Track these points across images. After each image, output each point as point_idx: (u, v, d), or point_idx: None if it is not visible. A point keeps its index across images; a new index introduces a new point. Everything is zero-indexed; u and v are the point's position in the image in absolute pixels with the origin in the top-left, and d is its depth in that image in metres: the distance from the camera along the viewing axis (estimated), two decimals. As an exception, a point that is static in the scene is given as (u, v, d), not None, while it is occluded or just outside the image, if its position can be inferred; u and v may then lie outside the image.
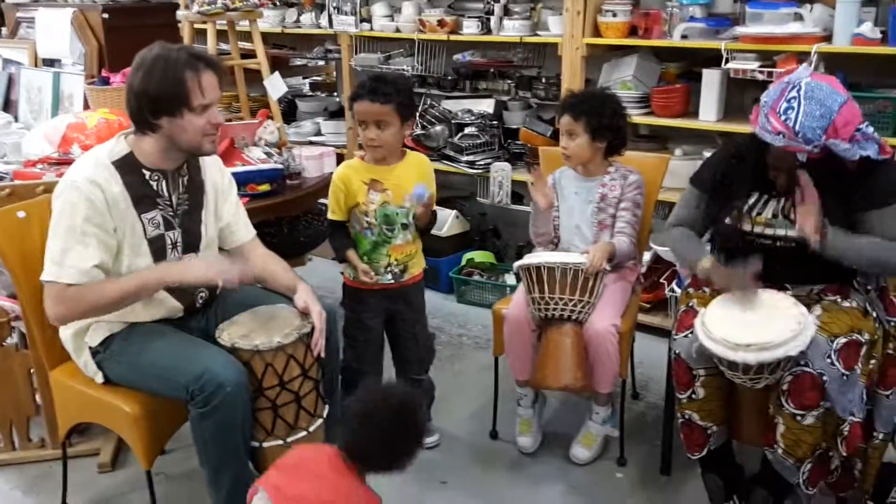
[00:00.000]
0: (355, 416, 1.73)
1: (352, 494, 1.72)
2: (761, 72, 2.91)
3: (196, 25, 3.43)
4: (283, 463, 1.77)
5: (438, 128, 3.91)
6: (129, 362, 2.02)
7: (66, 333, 2.11)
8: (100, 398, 2.09)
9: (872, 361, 2.02)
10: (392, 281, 2.47)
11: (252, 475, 2.07)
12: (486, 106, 3.93)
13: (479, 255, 3.94)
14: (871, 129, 1.99)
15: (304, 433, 2.08)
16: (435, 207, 2.51)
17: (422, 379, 2.63)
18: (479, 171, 3.79)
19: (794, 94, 1.94)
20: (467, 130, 3.86)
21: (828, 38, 2.85)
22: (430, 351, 2.68)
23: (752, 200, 2.15)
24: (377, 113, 2.33)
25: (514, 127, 3.84)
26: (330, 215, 2.48)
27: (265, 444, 2.04)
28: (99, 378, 2.08)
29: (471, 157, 3.79)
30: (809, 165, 1.97)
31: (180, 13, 3.49)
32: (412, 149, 3.94)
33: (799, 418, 1.96)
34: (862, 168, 1.99)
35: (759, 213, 2.14)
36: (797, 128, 1.91)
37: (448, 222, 3.94)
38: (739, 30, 2.99)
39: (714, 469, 2.23)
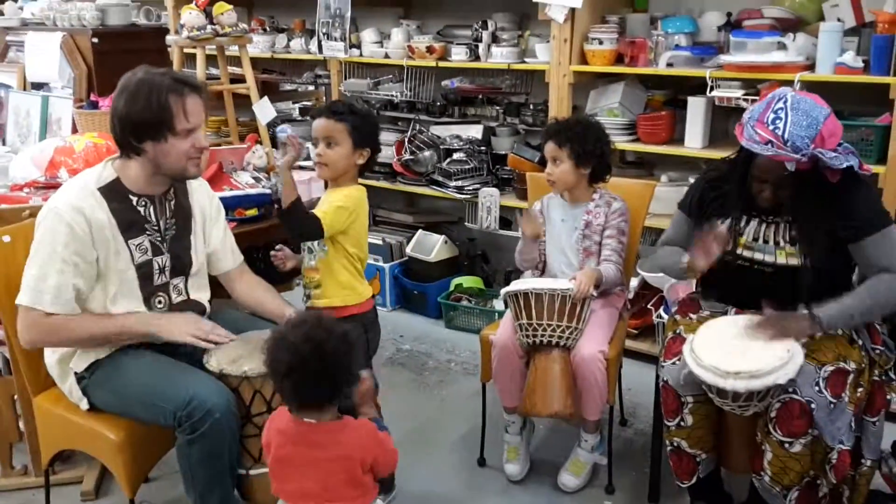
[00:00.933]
0: (282, 384, 1.66)
1: (338, 457, 1.66)
2: (745, 99, 2.94)
3: (186, 50, 3.45)
4: (272, 469, 1.73)
5: (427, 153, 3.93)
6: (114, 389, 2.01)
7: (51, 359, 2.10)
8: (84, 425, 2.07)
9: (860, 389, 2.03)
10: (306, 301, 2.43)
11: (238, 502, 2.05)
12: (475, 132, 3.95)
13: (468, 281, 3.94)
14: (849, 147, 2.04)
15: (291, 460, 2.06)
16: (316, 216, 2.25)
17: None
18: (468, 196, 3.80)
19: (780, 105, 1.98)
20: (456, 156, 3.87)
21: (811, 67, 2.89)
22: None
23: (733, 221, 2.17)
24: (329, 129, 2.30)
25: (503, 153, 3.86)
26: None
27: (252, 472, 2.03)
28: (84, 405, 2.06)
29: (459, 183, 3.81)
30: (795, 177, 1.99)
31: (170, 38, 3.51)
32: (398, 174, 3.99)
33: (787, 446, 1.96)
34: (843, 184, 2.01)
35: (740, 235, 2.16)
36: (786, 136, 1.93)
37: (436, 247, 3.95)
38: (724, 58, 3.03)
39: (702, 497, 2.23)
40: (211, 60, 3.61)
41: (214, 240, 2.23)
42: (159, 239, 2.08)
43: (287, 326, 1.71)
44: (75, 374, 2.05)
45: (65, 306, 1.95)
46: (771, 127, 1.96)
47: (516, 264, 2.69)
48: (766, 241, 2.13)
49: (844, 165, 1.95)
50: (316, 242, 2.36)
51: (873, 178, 2.68)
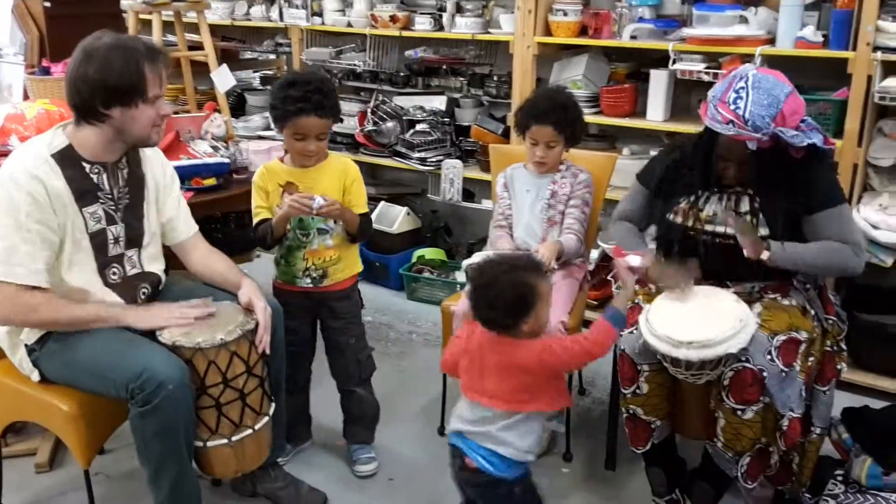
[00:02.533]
0: (477, 297, 1.84)
1: (511, 365, 1.82)
2: (707, 73, 2.96)
3: (141, 16, 3.36)
4: (463, 369, 1.90)
5: (390, 124, 3.90)
6: (66, 360, 1.97)
7: (0, 331, 2.05)
8: (36, 396, 2.03)
9: (811, 359, 2.07)
10: (311, 285, 2.38)
11: (194, 474, 2.04)
12: (438, 103, 3.93)
13: (430, 253, 3.94)
14: (813, 122, 2.05)
15: (249, 431, 2.05)
16: (366, 212, 2.38)
17: (352, 391, 2.51)
18: (431, 167, 3.78)
19: (742, 84, 1.99)
20: (419, 127, 3.85)
21: (771, 41, 2.91)
22: (363, 365, 2.50)
23: (693, 198, 2.19)
24: (322, 126, 2.26)
25: (466, 124, 3.85)
26: (257, 218, 2.36)
27: (209, 444, 2.01)
28: (35, 376, 2.03)
29: (422, 154, 3.79)
30: (757, 155, 2.01)
31: (125, 3, 3.42)
32: (361, 145, 3.96)
33: (739, 413, 1.99)
34: (806, 160, 2.04)
35: (701, 210, 2.18)
36: (746, 116, 1.95)
37: (399, 219, 3.93)
38: (686, 31, 3.04)
39: (657, 463, 2.26)
40: (168, 27, 3.53)
41: (169, 209, 2.19)
42: (113, 208, 2.04)
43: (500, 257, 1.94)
44: (26, 346, 2.01)
45: (38, 278, 1.90)
46: (732, 106, 1.97)
47: (489, 233, 2.68)
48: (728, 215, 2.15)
49: (805, 143, 1.97)
50: (333, 220, 2.33)
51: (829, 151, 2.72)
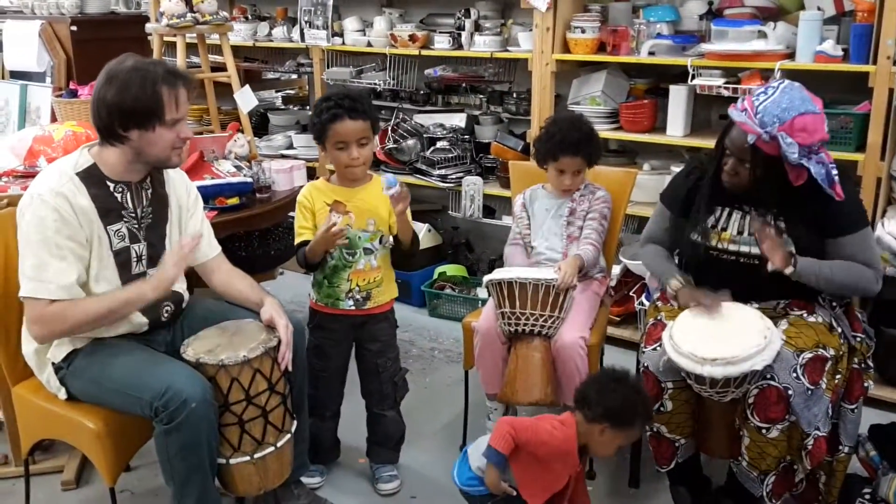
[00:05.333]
0: (604, 378, 2.03)
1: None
2: (726, 88, 2.95)
3: (166, 38, 3.42)
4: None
5: (410, 142, 3.92)
6: (92, 378, 2.00)
7: (28, 349, 2.08)
8: (63, 414, 2.06)
9: (838, 377, 2.05)
10: (353, 307, 2.38)
11: (218, 492, 2.05)
12: (458, 120, 3.95)
13: (451, 269, 3.95)
14: (825, 157, 2.02)
15: (271, 448, 2.06)
16: (412, 225, 2.40)
17: (384, 415, 2.52)
18: (451, 184, 3.80)
19: (774, 84, 2.03)
20: (439, 144, 3.87)
21: (791, 56, 2.90)
22: (397, 387, 2.52)
23: (715, 215, 2.18)
24: (361, 130, 2.27)
25: (486, 141, 3.86)
26: (300, 238, 2.34)
27: (232, 461, 2.03)
28: (62, 394, 2.05)
29: (443, 171, 3.80)
30: (759, 162, 2.00)
31: (149, 26, 3.48)
32: (382, 163, 3.99)
33: (764, 431, 1.98)
34: (812, 191, 2.02)
35: (723, 229, 2.17)
36: (759, 108, 1.97)
37: (420, 236, 3.94)
38: (705, 47, 3.03)
39: (682, 482, 2.25)
40: (192, 49, 3.59)
41: (191, 230, 2.22)
42: (136, 226, 2.07)
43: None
44: (53, 364, 2.04)
45: (70, 291, 1.92)
46: (754, 99, 2.00)
47: (504, 253, 2.69)
48: (750, 234, 2.14)
49: (794, 157, 1.94)
50: (379, 240, 2.35)
51: (852, 165, 2.70)
